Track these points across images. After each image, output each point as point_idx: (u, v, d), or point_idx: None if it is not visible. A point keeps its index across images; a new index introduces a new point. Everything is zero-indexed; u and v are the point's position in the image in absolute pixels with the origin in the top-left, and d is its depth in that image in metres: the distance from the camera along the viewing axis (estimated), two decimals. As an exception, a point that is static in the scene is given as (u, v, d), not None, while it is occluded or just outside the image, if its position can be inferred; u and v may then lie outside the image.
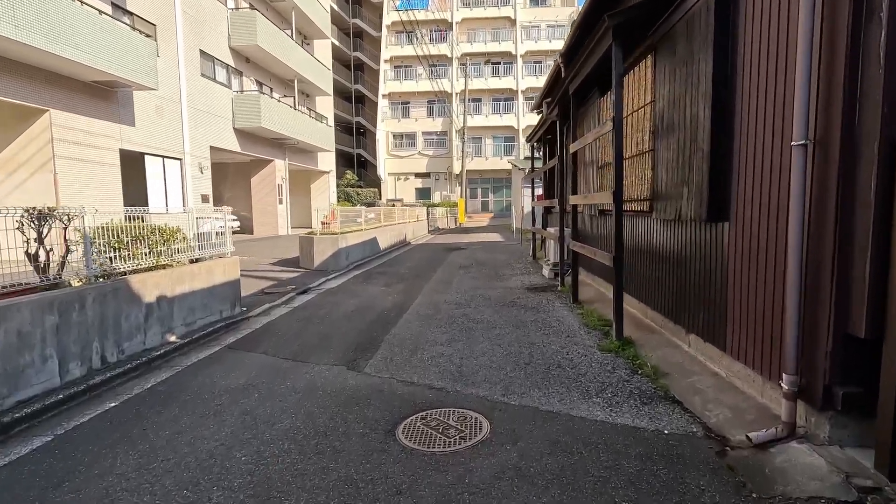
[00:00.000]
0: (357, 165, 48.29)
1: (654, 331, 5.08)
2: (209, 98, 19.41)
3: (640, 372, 4.09)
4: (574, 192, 6.83)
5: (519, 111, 41.15)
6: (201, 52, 19.08)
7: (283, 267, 12.33)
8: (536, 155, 14.17)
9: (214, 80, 19.99)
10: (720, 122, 3.59)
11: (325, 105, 32.71)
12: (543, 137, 11.22)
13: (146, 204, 16.14)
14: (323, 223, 13.24)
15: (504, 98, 41.90)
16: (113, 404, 3.92)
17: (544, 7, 43.85)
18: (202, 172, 19.00)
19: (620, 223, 4.73)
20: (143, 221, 5.64)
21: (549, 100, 8.12)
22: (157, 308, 5.36)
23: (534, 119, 43.52)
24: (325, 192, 34.11)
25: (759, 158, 3.17)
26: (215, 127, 19.84)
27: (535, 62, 42.29)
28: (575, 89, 6.58)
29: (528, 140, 12.63)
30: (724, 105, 3.58)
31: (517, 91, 41.34)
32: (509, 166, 39.08)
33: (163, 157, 16.87)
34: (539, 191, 13.91)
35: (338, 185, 41.95)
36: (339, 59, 45.11)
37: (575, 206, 6.89)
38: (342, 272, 11.48)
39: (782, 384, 2.78)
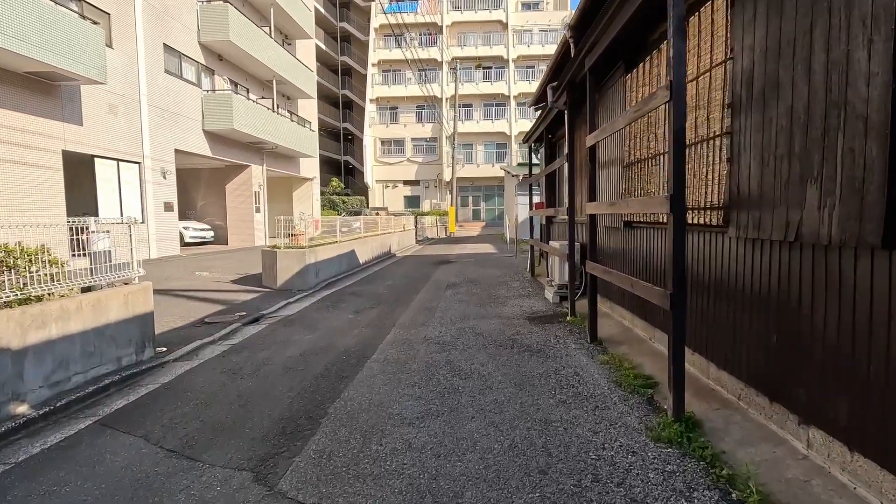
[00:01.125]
0: (344, 173, 46.65)
1: (729, 404, 3.43)
2: (175, 97, 17.69)
3: (734, 496, 2.44)
4: (591, 198, 5.21)
5: (511, 117, 39.78)
6: (166, 46, 17.40)
7: (243, 286, 10.60)
8: (535, 160, 12.61)
9: (181, 77, 18.29)
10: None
11: (309, 109, 31.08)
12: (545, 136, 9.64)
13: (96, 213, 14.35)
14: (291, 236, 11.53)
15: (496, 103, 40.54)
16: None
17: (537, 11, 42.71)
18: (165, 178, 17.23)
19: (682, 244, 3.09)
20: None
21: (554, 84, 6.53)
22: (-4, 367, 3.64)
23: (527, 125, 42.21)
24: (308, 200, 32.37)
25: None
26: (181, 128, 18.11)
27: (527, 67, 41.03)
28: (593, 64, 4.99)
29: (526, 140, 11.07)
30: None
31: (509, 96, 40.00)
32: (502, 173, 37.62)
33: (117, 160, 15.10)
34: (538, 198, 12.32)
35: (323, 193, 40.23)
36: (326, 63, 43.63)
37: (592, 217, 5.27)
38: (309, 292, 9.77)
39: None
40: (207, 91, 19.77)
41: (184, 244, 21.51)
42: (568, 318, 6.67)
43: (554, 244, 8.09)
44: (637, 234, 5.29)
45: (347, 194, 43.47)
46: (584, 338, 5.60)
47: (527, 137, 11.38)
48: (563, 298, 7.79)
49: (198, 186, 25.30)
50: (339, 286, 10.70)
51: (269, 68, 23.15)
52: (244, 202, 24.01)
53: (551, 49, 40.70)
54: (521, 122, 39.89)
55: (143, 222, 16.07)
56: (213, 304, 8.55)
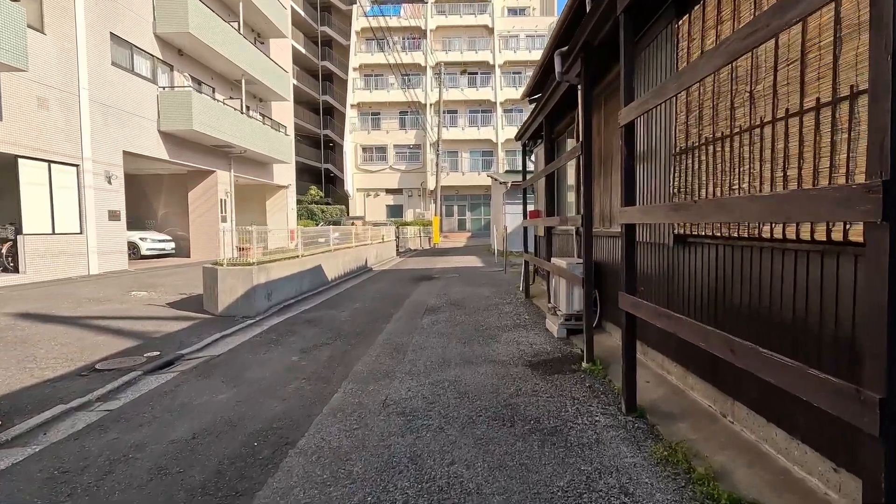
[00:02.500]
0: (325, 181, 44.78)
1: None
2: (124, 93, 15.76)
3: None
4: (629, 201, 3.52)
5: (498, 124, 38.40)
6: (114, 36, 15.50)
7: (179, 311, 8.71)
8: (529, 163, 10.96)
9: (132, 71, 16.38)
10: None
11: (284, 112, 29.24)
12: (544, 129, 7.99)
13: (20, 221, 12.34)
14: (241, 249, 9.68)
15: (482, 110, 39.17)
16: None
17: (523, 17, 41.64)
18: (110, 183, 15.24)
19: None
20: None
21: (563, 50, 4.87)
22: None
23: (514, 132, 40.54)
24: (283, 209, 30.38)
25: None
26: (132, 128, 16.16)
27: (513, 73, 39.80)
28: (629, 3, 3.34)
29: (519, 137, 9.42)
30: None
31: (495, 102, 38.66)
32: (488, 182, 36.12)
33: (49, 161, 13.11)
34: (532, 206, 10.65)
35: (301, 202, 38.25)
36: (307, 67, 41.91)
37: (630, 228, 3.57)
38: (256, 320, 7.93)
39: None
40: (164, 88, 17.86)
41: (140, 256, 19.45)
42: (583, 363, 4.95)
43: (559, 262, 6.39)
44: (705, 256, 3.59)
45: (328, 203, 41.53)
46: (615, 402, 3.88)
47: (520, 134, 9.75)
48: (571, 332, 6.08)
49: (158, 194, 23.26)
50: (295, 311, 8.87)
51: (236, 66, 21.32)
52: (209, 211, 22.00)
53: (538, 55, 39.54)
54: (507, 130, 38.52)
55: (80, 233, 14.04)
56: (125, 339, 6.66)
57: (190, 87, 18.56)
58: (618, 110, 3.64)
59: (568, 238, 7.93)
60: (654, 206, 3.69)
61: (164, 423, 3.79)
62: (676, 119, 3.87)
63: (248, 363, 5.50)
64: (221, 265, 8.61)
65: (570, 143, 8.37)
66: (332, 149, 44.17)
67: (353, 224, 20.66)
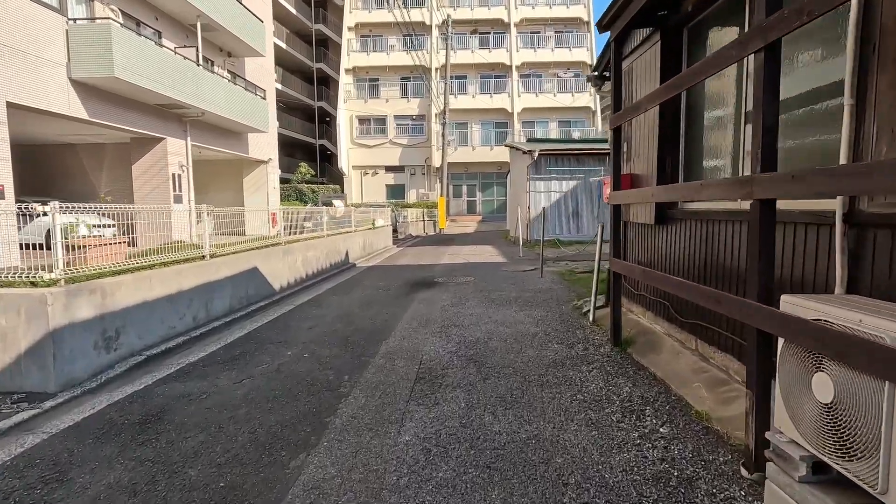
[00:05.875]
0: (320, 158, 40.30)
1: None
2: (8, 21, 11.28)
3: None
4: None
5: (513, 91, 33.47)
6: (-13, -62, 10.94)
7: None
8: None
9: (23, -7, 11.84)
10: None
11: (262, 72, 24.64)
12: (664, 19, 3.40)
13: None
14: (75, 249, 5.34)
15: (495, 75, 34.20)
16: None
17: (542, -31, 36.30)
18: (-14, 147, 10.85)
19: None
20: None
21: None
22: None
23: (532, 101, 35.76)
24: (262, 188, 25.94)
25: None
26: (25, 72, 11.71)
27: (531, 32, 34.71)
28: None
29: (606, 24, 4.79)
30: None
31: (511, 66, 33.68)
32: (501, 158, 31.42)
33: None
34: (611, 175, 6.10)
35: (289, 181, 33.84)
36: (299, 32, 37.09)
37: None
38: (64, 399, 3.58)
39: None
40: (78, 20, 13.36)
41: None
42: None
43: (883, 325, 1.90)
44: None
45: (322, 182, 37.07)
46: None
47: (609, 18, 5.12)
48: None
49: (99, 167, 18.93)
50: (161, 370, 4.50)
51: (189, 4, 16.72)
52: (158, 188, 17.58)
53: (560, 11, 34.45)
54: (524, 98, 33.63)
55: (-76, 216, 9.68)
56: None
57: (111, 19, 13.99)
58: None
59: (713, 227, 3.47)
60: None
61: None
62: None
63: None
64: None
65: (724, 36, 3.87)
66: (329, 123, 39.51)
67: (328, 205, 16.21)
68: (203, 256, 6.35)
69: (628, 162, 5.26)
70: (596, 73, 6.43)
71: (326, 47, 39.57)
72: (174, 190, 17.95)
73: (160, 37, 16.97)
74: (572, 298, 7.36)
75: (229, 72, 21.42)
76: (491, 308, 6.84)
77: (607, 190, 5.29)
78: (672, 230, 4.46)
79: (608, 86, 6.62)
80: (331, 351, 4.99)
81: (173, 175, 17.90)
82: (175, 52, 16.40)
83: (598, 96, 34.83)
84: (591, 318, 5.75)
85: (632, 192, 4.58)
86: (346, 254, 12.28)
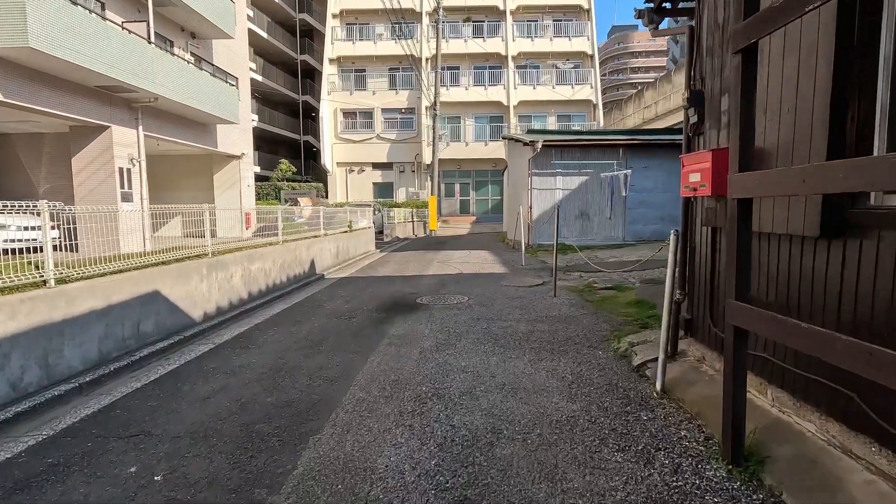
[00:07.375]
0: (305, 155, 37.90)
1: None
2: None
3: None
4: None
5: (509, 82, 31.31)
6: None
7: None
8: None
9: None
10: None
11: (237, 60, 22.29)
12: None
13: None
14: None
15: (489, 66, 32.02)
16: None
17: (540, -47, 34.17)
18: None
19: None
20: None
21: None
22: None
23: (529, 93, 33.36)
24: (235, 186, 23.55)
25: None
26: None
27: (528, 21, 32.57)
28: None
29: None
30: None
31: (506, 56, 31.51)
32: (495, 154, 29.23)
33: None
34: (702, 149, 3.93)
35: (268, 179, 31.47)
36: (283, 22, 34.69)
37: None
38: None
39: None
40: (-14, -19, 10.98)
41: (-15, 253, 12.76)
42: None
43: None
44: None
45: (306, 180, 34.70)
46: None
47: None
48: None
49: (38, 160, 16.55)
50: None
51: (136, -30, 14.38)
52: (102, 184, 15.20)
53: (559, -2, 32.31)
54: (521, 89, 31.46)
55: None
56: None
57: (31, -19, 11.60)
58: None
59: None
60: None
61: None
62: None
63: None
64: None
65: None
66: (314, 118, 37.14)
67: (296, 204, 13.95)
68: (44, 282, 4.08)
69: (737, 127, 3.06)
70: (652, 5, 4.23)
71: (312, 38, 37.20)
72: (122, 187, 15.58)
73: (103, 8, 14.59)
74: (607, 335, 5.17)
75: (193, 55, 19.06)
76: (494, 356, 4.62)
77: (692, 174, 3.09)
78: (858, 248, 2.28)
79: (666, 25, 4.45)
80: (204, 470, 2.74)
81: (121, 169, 15.51)
82: (122, 27, 14.05)
83: (598, 92, 32.71)
84: (658, 385, 3.54)
85: (773, 174, 2.38)
86: (312, 263, 10.03)
